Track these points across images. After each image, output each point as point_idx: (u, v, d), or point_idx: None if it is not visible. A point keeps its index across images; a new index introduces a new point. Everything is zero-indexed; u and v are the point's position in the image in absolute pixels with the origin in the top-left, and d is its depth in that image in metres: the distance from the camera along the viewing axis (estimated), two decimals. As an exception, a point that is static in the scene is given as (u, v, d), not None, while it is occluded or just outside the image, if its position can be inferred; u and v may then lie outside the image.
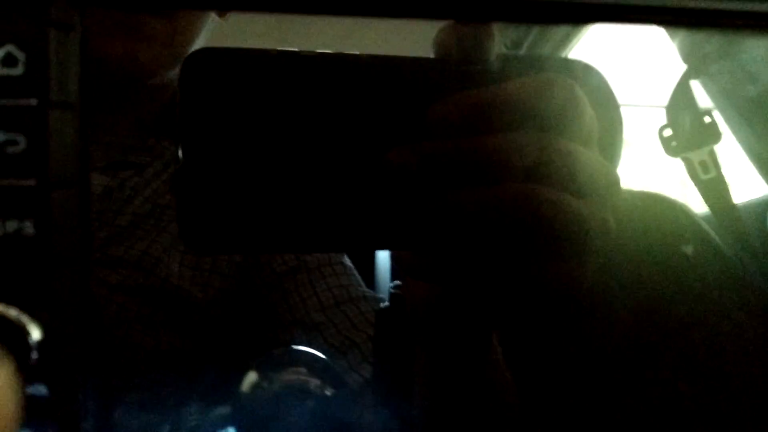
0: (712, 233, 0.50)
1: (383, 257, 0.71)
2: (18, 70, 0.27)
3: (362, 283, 0.52)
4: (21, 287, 0.27)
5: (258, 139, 0.33)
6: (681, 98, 0.51)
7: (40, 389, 0.28)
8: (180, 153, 0.33)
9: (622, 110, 0.40)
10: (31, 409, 0.28)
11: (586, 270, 0.33)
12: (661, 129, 0.52)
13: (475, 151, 0.32)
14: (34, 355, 0.26)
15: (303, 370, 0.42)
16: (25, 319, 0.26)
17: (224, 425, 0.43)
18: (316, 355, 0.43)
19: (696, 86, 0.53)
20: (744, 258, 0.49)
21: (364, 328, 0.48)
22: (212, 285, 0.53)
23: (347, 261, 0.53)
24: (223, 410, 0.44)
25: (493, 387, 0.40)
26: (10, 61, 0.27)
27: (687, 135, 0.51)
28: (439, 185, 0.32)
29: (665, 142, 0.52)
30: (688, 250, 0.49)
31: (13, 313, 0.26)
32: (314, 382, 0.42)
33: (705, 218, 0.52)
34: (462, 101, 0.32)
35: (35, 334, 0.27)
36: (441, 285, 0.36)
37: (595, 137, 0.34)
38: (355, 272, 0.51)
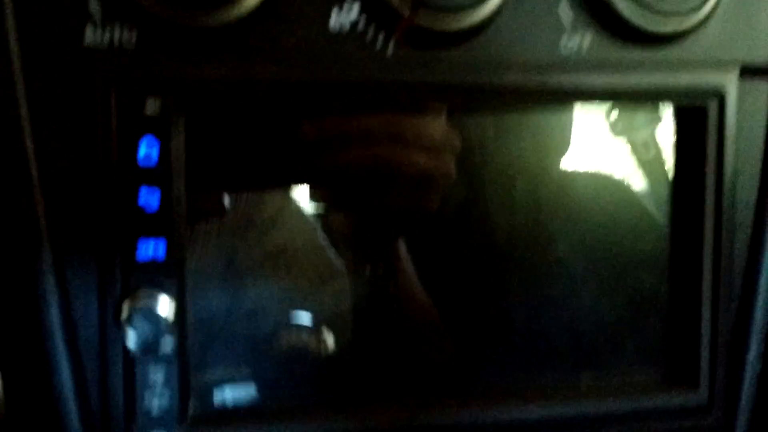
0: (651, 209, 0.60)
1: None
2: (153, 161, 0.46)
3: (336, 259, 0.60)
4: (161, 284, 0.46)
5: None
6: None
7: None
8: None
9: None
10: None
11: (433, 199, 0.54)
12: (608, 112, 0.57)
13: (351, 128, 0.51)
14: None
15: (303, 335, 0.56)
16: (165, 301, 0.46)
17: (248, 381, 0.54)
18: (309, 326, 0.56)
19: None
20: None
21: (344, 302, 0.58)
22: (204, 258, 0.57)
23: (324, 240, 0.60)
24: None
25: (410, 296, 0.57)
26: (148, 155, 0.46)
27: (631, 117, 0.58)
28: (333, 147, 0.52)
29: (612, 125, 0.58)
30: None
31: (158, 299, 0.46)
32: (313, 344, 0.56)
33: (645, 195, 0.61)
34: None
35: (171, 312, 0.46)
36: (342, 209, 0.56)
37: (443, 112, 0.53)
38: (329, 249, 0.59)
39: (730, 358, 0.56)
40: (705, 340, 0.55)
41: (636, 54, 0.51)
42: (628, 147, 0.59)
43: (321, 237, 0.58)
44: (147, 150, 0.46)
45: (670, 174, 0.57)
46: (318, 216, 0.57)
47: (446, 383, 0.57)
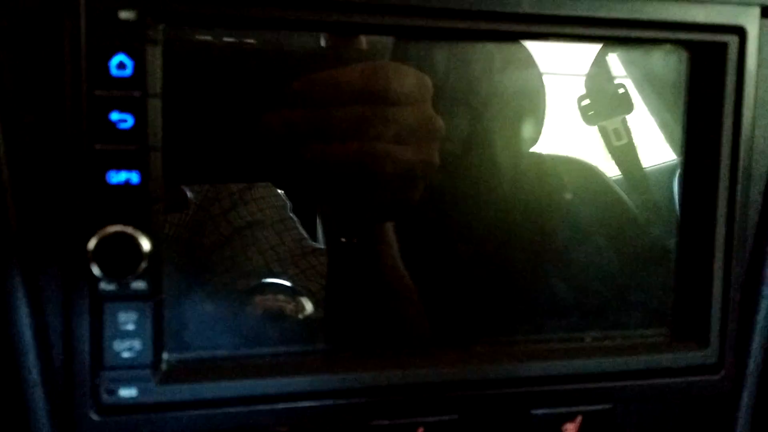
0: (624, 195, 0.59)
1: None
2: (127, 72, 0.41)
3: (308, 236, 0.59)
4: (133, 215, 0.41)
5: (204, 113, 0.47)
6: (598, 71, 0.56)
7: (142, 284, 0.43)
8: None
9: (545, 78, 0.54)
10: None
11: (416, 191, 0.50)
12: (580, 99, 0.56)
13: (318, 119, 0.48)
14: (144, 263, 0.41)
15: (280, 296, 0.53)
16: (138, 233, 0.41)
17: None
18: (287, 285, 0.54)
19: (613, 60, 0.57)
20: (650, 217, 0.57)
21: (315, 279, 0.56)
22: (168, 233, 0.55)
23: (294, 216, 0.60)
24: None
25: (394, 276, 0.54)
26: (122, 66, 0.40)
27: (603, 105, 0.56)
28: (302, 141, 0.48)
29: (583, 111, 0.56)
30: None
31: (130, 229, 0.41)
32: (290, 306, 0.53)
33: (617, 182, 0.60)
34: (307, 80, 0.48)
35: (145, 244, 0.41)
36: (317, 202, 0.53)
37: (427, 95, 0.49)
38: (300, 226, 0.59)
39: (740, 314, 0.53)
40: (716, 296, 0.52)
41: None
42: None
43: (291, 213, 0.57)
44: (120, 68, 0.41)
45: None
46: (289, 194, 0.54)
47: (434, 342, 0.53)
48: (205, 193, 0.54)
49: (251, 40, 0.47)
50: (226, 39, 0.46)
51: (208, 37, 0.46)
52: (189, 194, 0.51)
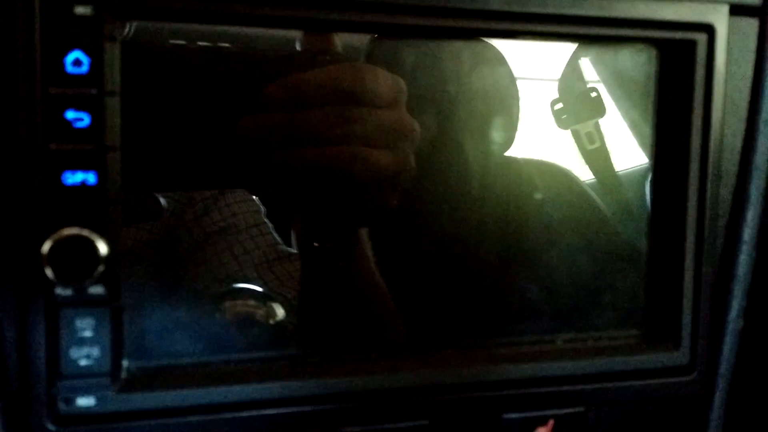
0: (597, 198, 0.59)
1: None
2: (84, 69, 0.39)
3: (282, 241, 0.58)
4: (89, 217, 0.40)
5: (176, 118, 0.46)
6: (571, 75, 0.56)
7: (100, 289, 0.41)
8: None
9: (518, 82, 0.54)
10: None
11: (393, 196, 0.50)
12: (553, 103, 0.56)
13: (293, 122, 0.47)
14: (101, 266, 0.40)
15: (251, 301, 0.53)
16: (95, 236, 0.39)
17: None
18: (258, 290, 0.53)
19: (585, 63, 0.57)
20: (623, 219, 0.57)
21: (289, 284, 0.56)
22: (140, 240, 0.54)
23: (268, 221, 0.59)
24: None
25: (367, 281, 0.53)
26: (77, 62, 0.39)
27: (575, 109, 0.56)
28: (278, 145, 0.47)
29: (556, 115, 0.56)
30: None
31: (86, 232, 0.39)
32: (260, 312, 0.53)
33: (591, 185, 0.60)
34: (282, 83, 0.47)
35: (102, 248, 0.40)
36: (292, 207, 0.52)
37: (402, 98, 0.49)
38: (275, 231, 0.58)
39: (711, 316, 0.52)
40: (687, 297, 0.52)
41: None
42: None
43: (265, 218, 0.56)
44: (75, 65, 0.39)
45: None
46: (263, 200, 0.53)
47: (403, 346, 0.52)
48: (177, 199, 0.53)
49: (225, 44, 0.46)
50: (200, 43, 0.45)
51: (182, 41, 0.45)
52: (162, 201, 0.50)
